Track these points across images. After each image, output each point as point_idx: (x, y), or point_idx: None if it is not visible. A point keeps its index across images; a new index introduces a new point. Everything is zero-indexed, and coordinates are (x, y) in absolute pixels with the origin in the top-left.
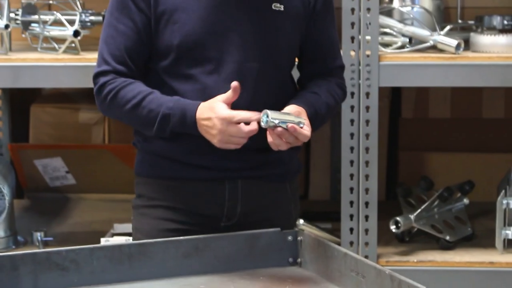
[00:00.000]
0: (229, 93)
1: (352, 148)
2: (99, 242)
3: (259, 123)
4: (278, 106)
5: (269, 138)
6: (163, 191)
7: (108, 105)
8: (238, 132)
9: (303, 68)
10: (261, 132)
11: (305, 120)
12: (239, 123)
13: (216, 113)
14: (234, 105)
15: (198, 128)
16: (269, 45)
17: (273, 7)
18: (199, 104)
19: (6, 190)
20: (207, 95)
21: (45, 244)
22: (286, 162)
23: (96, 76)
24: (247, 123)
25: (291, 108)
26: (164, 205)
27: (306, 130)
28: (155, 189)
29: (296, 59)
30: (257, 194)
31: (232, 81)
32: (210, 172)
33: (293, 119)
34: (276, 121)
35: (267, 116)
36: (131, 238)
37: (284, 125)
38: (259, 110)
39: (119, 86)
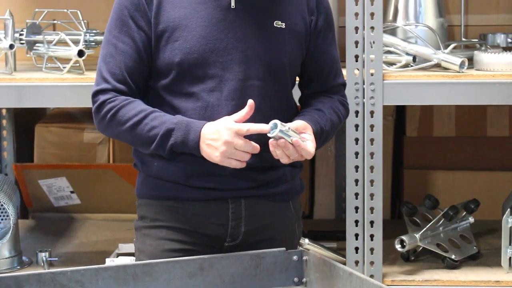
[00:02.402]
0: (242, 111)
1: (356, 167)
2: (104, 262)
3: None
4: None
5: (271, 148)
6: (166, 211)
7: (108, 123)
8: (245, 146)
9: (305, 86)
10: (264, 150)
11: (309, 135)
12: (246, 136)
13: (225, 125)
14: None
15: (200, 144)
16: (271, 62)
17: (274, 24)
18: (205, 122)
19: (10, 210)
20: (209, 113)
21: (50, 264)
22: (288, 180)
23: (95, 94)
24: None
25: (298, 123)
26: (167, 226)
27: (310, 146)
28: (157, 210)
29: (297, 78)
30: (261, 213)
31: (234, 98)
32: (212, 192)
33: (297, 136)
34: (285, 128)
35: (276, 126)
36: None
37: (288, 139)
38: None
39: (119, 104)
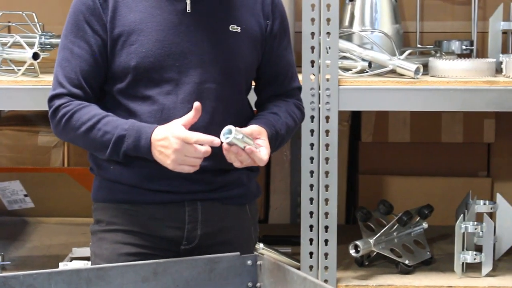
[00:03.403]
0: (189, 114)
1: (312, 172)
2: (57, 266)
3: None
4: None
5: (225, 152)
6: (122, 215)
7: (63, 127)
8: (194, 152)
9: (261, 90)
10: (220, 153)
11: (264, 141)
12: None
13: (173, 133)
14: (192, 127)
15: (152, 150)
16: (227, 66)
17: (230, 28)
18: (155, 127)
19: None
20: (165, 116)
21: (3, 268)
22: (245, 184)
23: (51, 99)
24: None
25: (253, 128)
26: (123, 229)
27: (263, 153)
28: (113, 213)
29: (253, 82)
30: (217, 216)
31: (190, 102)
32: (169, 195)
33: (251, 142)
34: (239, 136)
35: (230, 132)
36: (89, 262)
37: (241, 146)
38: (217, 131)
39: (74, 109)
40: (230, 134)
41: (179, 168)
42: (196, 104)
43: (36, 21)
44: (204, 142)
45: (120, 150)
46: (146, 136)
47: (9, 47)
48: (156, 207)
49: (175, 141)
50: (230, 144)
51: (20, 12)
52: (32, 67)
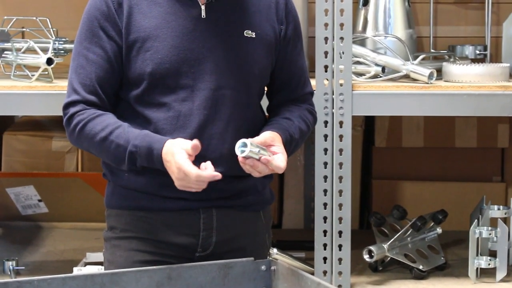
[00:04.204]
0: (190, 150)
1: (325, 177)
2: (71, 271)
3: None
4: (251, 134)
5: (241, 164)
6: (136, 222)
7: (77, 136)
8: (197, 182)
9: (273, 95)
10: (235, 160)
11: (279, 147)
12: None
13: (176, 162)
14: (207, 134)
15: (164, 165)
16: (242, 72)
17: (244, 34)
18: (165, 142)
19: None
20: (181, 122)
21: (17, 273)
22: (259, 191)
23: (66, 106)
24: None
25: (266, 135)
26: (137, 237)
27: (280, 161)
28: (127, 220)
29: (265, 88)
30: (232, 223)
31: (206, 108)
32: (183, 202)
33: (265, 152)
34: (255, 150)
35: (245, 145)
36: (103, 267)
37: (256, 157)
38: (233, 137)
39: (88, 117)
40: (245, 148)
41: (186, 189)
42: (195, 142)
43: (50, 26)
44: (205, 179)
45: (136, 164)
46: (157, 153)
47: (23, 52)
48: (171, 214)
49: (177, 171)
50: (246, 157)
51: (34, 18)
52: (46, 73)
